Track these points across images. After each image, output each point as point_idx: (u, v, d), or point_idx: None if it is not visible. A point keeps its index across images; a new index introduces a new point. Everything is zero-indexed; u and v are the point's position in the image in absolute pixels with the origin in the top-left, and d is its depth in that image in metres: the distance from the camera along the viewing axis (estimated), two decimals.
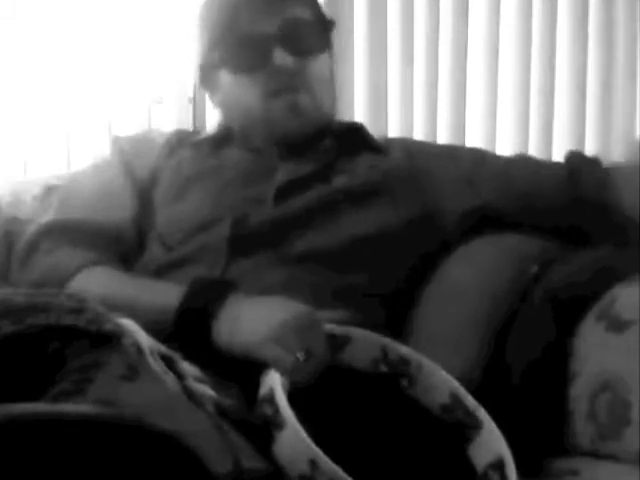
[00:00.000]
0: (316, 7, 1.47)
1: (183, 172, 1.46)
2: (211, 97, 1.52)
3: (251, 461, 0.85)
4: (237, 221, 1.36)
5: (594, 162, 1.45)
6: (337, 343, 1.15)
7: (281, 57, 1.37)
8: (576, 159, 1.47)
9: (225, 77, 1.44)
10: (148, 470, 0.75)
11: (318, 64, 1.43)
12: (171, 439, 0.76)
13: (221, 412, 1.00)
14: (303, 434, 0.96)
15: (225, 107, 1.49)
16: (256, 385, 1.05)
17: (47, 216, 1.45)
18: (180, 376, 1.02)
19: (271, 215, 1.37)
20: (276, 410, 0.99)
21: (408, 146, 1.55)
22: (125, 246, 1.43)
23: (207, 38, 1.45)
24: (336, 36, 1.55)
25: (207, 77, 1.48)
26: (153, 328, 1.07)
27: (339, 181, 1.41)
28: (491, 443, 1.10)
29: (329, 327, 1.15)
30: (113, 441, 0.74)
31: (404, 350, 1.18)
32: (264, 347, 1.10)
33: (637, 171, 1.36)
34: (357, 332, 1.17)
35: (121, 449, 0.74)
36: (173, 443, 0.76)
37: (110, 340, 0.93)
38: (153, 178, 1.48)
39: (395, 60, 2.31)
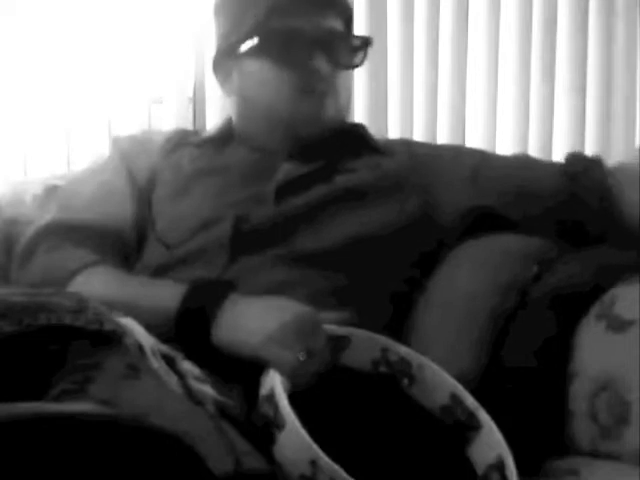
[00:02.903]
0: (350, 22, 1.48)
1: (184, 171, 1.46)
2: (222, 84, 1.49)
3: (252, 461, 0.85)
4: (239, 220, 1.35)
5: (593, 162, 1.45)
6: (338, 344, 1.15)
7: (319, 61, 1.38)
8: (574, 160, 1.47)
9: (252, 65, 1.42)
10: (149, 470, 0.75)
11: (349, 75, 1.47)
12: (172, 439, 0.76)
13: (222, 412, 1.00)
14: (304, 434, 0.96)
15: (242, 97, 1.47)
16: (257, 386, 1.05)
17: (47, 216, 1.45)
18: (181, 375, 1.02)
19: (273, 214, 1.37)
20: (276, 410, 0.99)
21: (410, 146, 1.55)
22: (125, 246, 1.43)
23: (231, 22, 1.44)
24: None
25: (222, 63, 1.47)
26: (154, 328, 1.07)
27: (340, 180, 1.42)
28: (491, 444, 1.10)
29: (330, 328, 1.15)
30: (114, 441, 0.74)
31: (404, 351, 1.18)
32: (265, 347, 1.10)
33: (637, 170, 1.35)
34: (358, 333, 1.17)
35: (122, 449, 0.74)
36: (174, 443, 0.76)
37: (111, 340, 0.94)
38: (153, 178, 1.48)
39: (395, 61, 2.32)
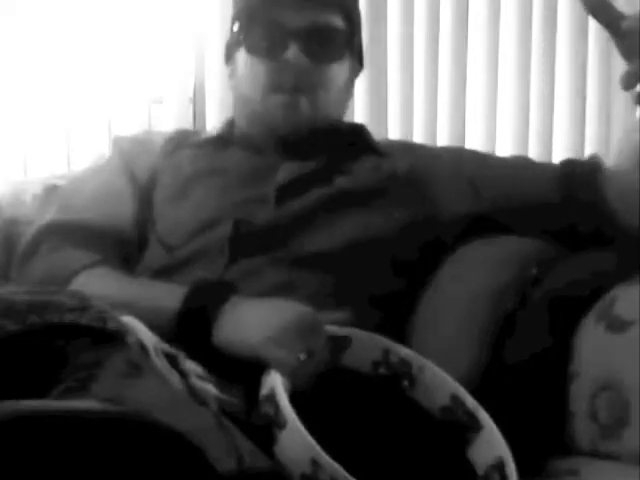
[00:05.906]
0: (352, 16, 1.45)
1: (184, 172, 1.46)
2: (229, 78, 1.50)
3: (254, 460, 0.85)
4: (239, 222, 1.35)
5: (590, 165, 1.44)
6: (338, 344, 1.15)
7: (294, 54, 1.36)
8: (570, 163, 1.47)
9: (242, 56, 1.43)
10: (152, 468, 0.75)
11: (333, 71, 1.42)
12: (175, 437, 0.77)
13: (224, 410, 1.00)
14: (305, 433, 0.96)
15: (235, 91, 1.48)
16: (257, 386, 1.05)
17: (47, 216, 1.45)
18: (183, 374, 1.02)
19: (273, 216, 1.37)
20: (277, 409, 0.99)
21: (409, 148, 1.55)
22: (126, 247, 1.43)
23: (233, 13, 1.45)
24: None
25: (230, 54, 1.48)
26: (155, 329, 1.07)
27: (340, 182, 1.41)
28: (491, 444, 1.10)
29: (330, 328, 1.15)
30: (118, 438, 0.74)
31: (405, 352, 1.18)
32: (265, 348, 1.10)
33: (630, 173, 1.35)
34: (358, 334, 1.17)
35: (126, 447, 0.74)
36: (177, 441, 0.76)
37: (114, 338, 0.94)
38: (154, 178, 1.47)
39: (395, 61, 2.31)
